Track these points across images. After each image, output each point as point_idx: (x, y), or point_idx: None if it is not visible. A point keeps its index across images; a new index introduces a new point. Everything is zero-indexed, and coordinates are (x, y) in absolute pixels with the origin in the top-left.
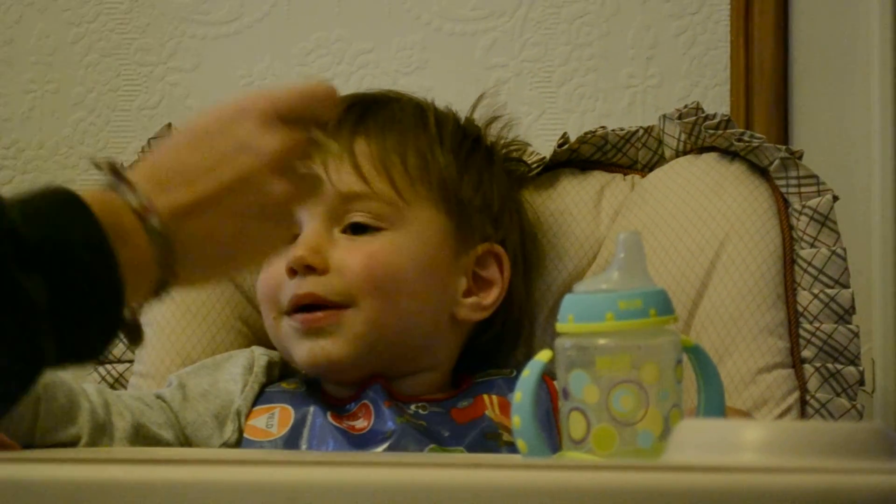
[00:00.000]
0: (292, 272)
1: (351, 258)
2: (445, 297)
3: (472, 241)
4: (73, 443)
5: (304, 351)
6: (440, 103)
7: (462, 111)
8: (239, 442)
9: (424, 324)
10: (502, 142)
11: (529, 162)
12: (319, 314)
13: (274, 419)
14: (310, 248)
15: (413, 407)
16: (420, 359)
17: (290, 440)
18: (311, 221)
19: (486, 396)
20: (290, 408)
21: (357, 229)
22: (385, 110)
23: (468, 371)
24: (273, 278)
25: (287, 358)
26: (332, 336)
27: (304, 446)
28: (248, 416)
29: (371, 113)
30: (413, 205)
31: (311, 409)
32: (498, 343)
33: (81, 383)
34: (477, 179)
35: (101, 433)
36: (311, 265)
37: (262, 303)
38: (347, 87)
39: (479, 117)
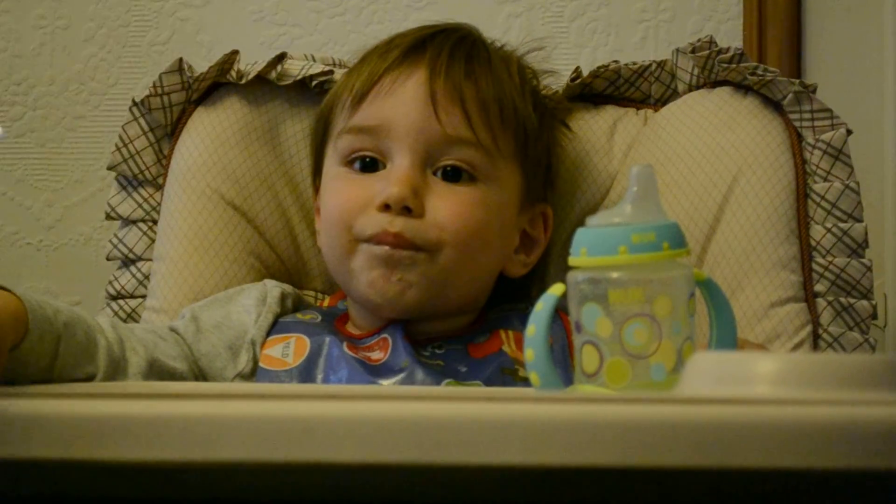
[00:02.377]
0: (386, 207)
1: (447, 209)
2: (503, 254)
3: (533, 200)
4: (89, 380)
5: (377, 279)
6: (504, 44)
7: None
8: (254, 372)
9: (484, 277)
10: (557, 98)
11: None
12: (404, 251)
13: (290, 349)
14: (411, 189)
15: (430, 348)
16: (463, 306)
17: (306, 370)
18: (406, 156)
19: (502, 331)
20: (305, 337)
21: (451, 174)
22: (482, 52)
23: (484, 307)
24: (351, 203)
25: (342, 280)
26: (408, 272)
27: (319, 376)
28: (262, 345)
29: (476, 54)
30: (504, 158)
31: (328, 339)
32: (520, 291)
33: (97, 318)
34: (546, 138)
35: (115, 369)
36: (410, 207)
37: (332, 224)
38: (358, 21)
39: (522, 55)
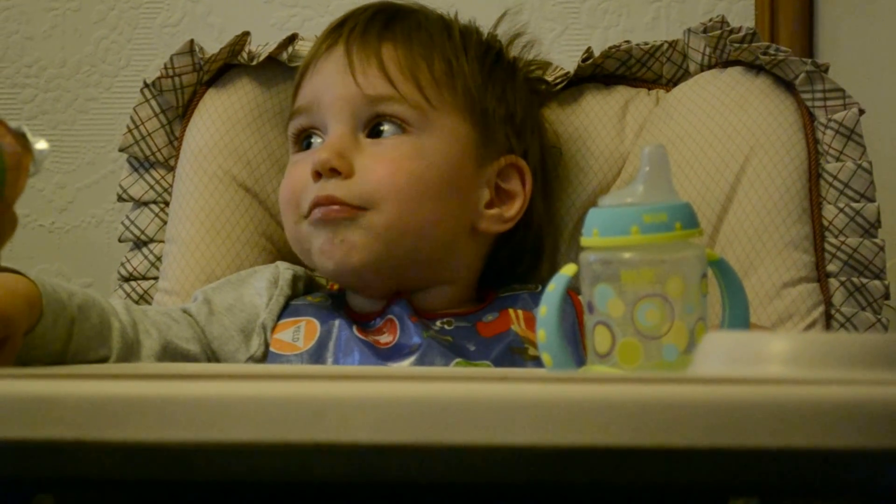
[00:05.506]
0: (317, 175)
1: (375, 165)
2: (467, 207)
3: (495, 152)
4: (101, 362)
5: (323, 244)
6: (462, 18)
7: (484, 27)
8: (265, 356)
9: (444, 232)
10: (524, 59)
11: (553, 77)
12: (337, 207)
13: (300, 332)
14: (335, 152)
15: (438, 323)
16: (441, 269)
17: (317, 353)
18: (336, 125)
19: (511, 311)
20: (315, 321)
21: (379, 132)
22: (411, 18)
23: (493, 286)
24: (296, 182)
25: (307, 261)
26: (351, 230)
27: (330, 359)
28: (273, 329)
29: (398, 20)
30: (438, 110)
31: (337, 322)
32: (518, 258)
33: (110, 301)
34: (500, 91)
35: (129, 352)
36: (336, 168)
37: (283, 207)
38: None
39: (502, 34)
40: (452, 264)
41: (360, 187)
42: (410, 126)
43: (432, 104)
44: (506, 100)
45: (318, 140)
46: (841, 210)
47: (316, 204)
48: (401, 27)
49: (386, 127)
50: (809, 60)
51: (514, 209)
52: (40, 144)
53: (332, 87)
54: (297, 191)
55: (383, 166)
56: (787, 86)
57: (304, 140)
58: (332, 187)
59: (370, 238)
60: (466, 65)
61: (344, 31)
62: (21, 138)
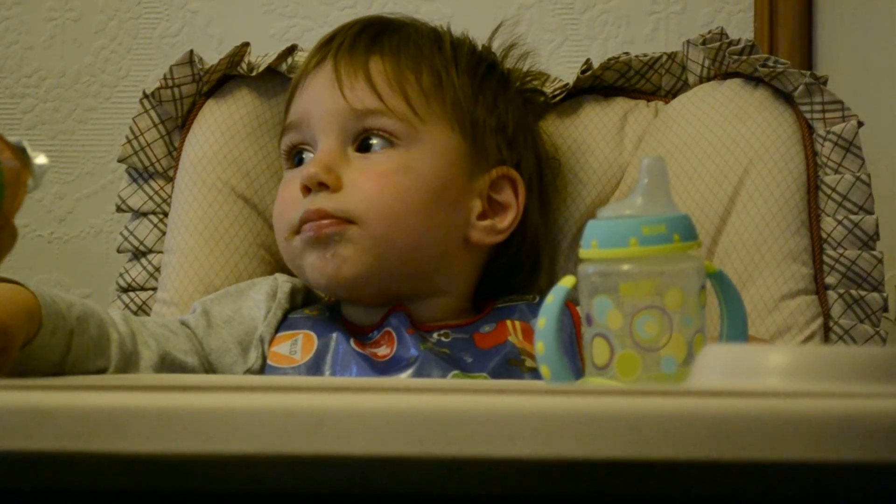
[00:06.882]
0: (306, 189)
1: (362, 180)
2: (458, 219)
3: (487, 163)
4: (100, 373)
5: (314, 261)
6: (461, 31)
7: (482, 39)
8: (263, 368)
9: (435, 244)
10: (519, 70)
11: (552, 89)
12: (327, 221)
13: (297, 345)
14: (323, 166)
15: (436, 335)
16: (434, 281)
17: (314, 366)
18: (325, 139)
19: (508, 322)
20: (313, 334)
21: (367, 146)
22: (400, 32)
23: (490, 297)
24: (287, 198)
25: (300, 276)
26: (341, 245)
27: (327, 372)
28: (271, 342)
29: (387, 33)
30: (427, 122)
31: (335, 335)
32: (514, 269)
33: (108, 311)
34: (492, 102)
35: (127, 363)
36: (324, 182)
37: (275, 223)
38: (369, 13)
39: (497, 46)
40: (446, 275)
41: (350, 201)
42: (399, 139)
43: (420, 117)
44: (497, 111)
45: (310, 155)
46: (839, 222)
47: (306, 219)
48: (389, 41)
49: (374, 141)
50: (808, 72)
51: (507, 220)
52: (40, 159)
53: (321, 102)
54: (288, 207)
55: (370, 181)
56: (786, 98)
57: (295, 156)
58: (321, 201)
59: (360, 251)
60: (456, 77)
61: (332, 46)
62: (20, 153)
